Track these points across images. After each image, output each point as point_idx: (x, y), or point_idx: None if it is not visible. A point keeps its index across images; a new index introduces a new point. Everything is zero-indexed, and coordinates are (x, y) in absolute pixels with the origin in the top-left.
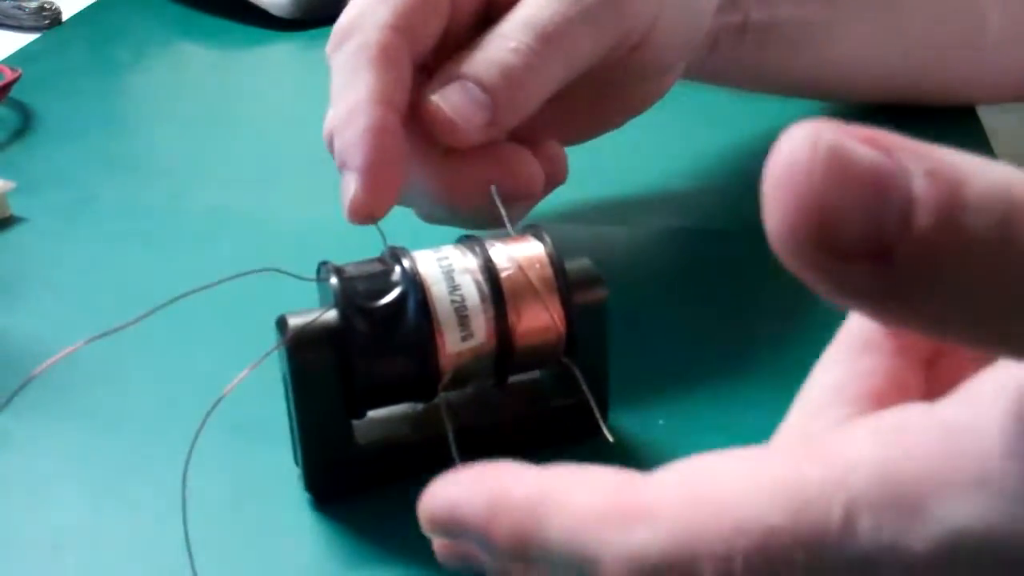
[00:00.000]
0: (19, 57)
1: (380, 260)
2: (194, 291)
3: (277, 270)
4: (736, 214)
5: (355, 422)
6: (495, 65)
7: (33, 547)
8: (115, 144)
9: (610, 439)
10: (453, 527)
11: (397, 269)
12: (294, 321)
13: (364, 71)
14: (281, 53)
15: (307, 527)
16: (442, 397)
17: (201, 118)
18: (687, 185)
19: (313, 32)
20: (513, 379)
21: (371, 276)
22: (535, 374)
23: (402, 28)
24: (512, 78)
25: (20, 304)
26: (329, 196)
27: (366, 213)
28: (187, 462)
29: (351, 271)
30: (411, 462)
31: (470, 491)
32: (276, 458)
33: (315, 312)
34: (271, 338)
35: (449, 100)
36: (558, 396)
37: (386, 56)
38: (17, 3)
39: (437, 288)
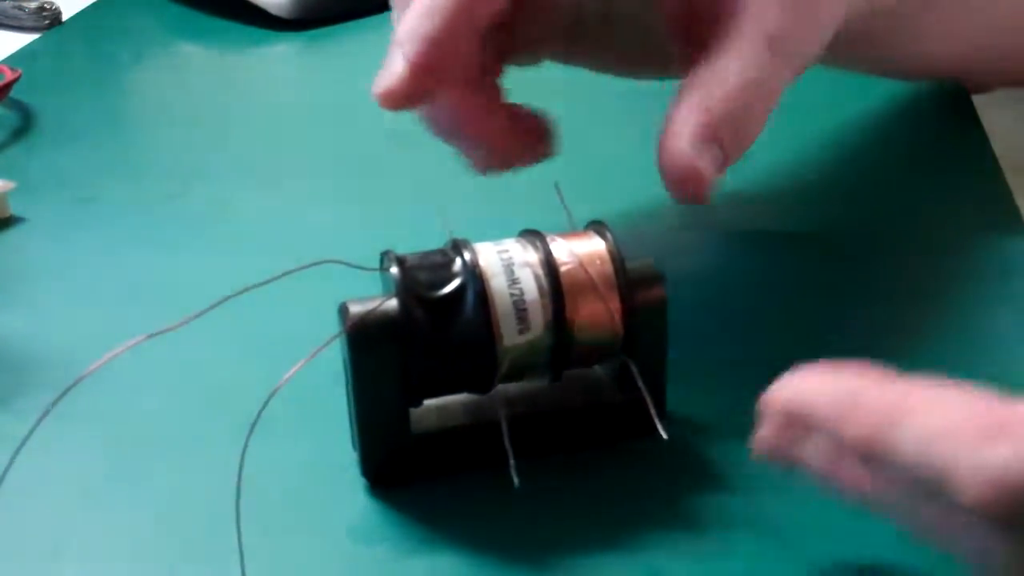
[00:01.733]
0: (19, 57)
1: (442, 252)
2: (254, 287)
3: (338, 261)
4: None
5: (413, 409)
6: (735, 131)
7: (34, 548)
8: (115, 144)
9: (664, 436)
10: (801, 416)
11: (458, 260)
12: (355, 308)
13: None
14: (281, 53)
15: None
16: (498, 388)
17: (201, 118)
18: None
19: (313, 32)
20: (573, 373)
21: (432, 267)
22: (595, 369)
23: None
24: (744, 144)
25: (20, 304)
26: (329, 196)
27: (400, 90)
28: (244, 447)
29: (412, 261)
30: (467, 451)
31: (829, 386)
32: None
33: (376, 300)
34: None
35: (704, 162)
36: (616, 392)
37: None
38: (17, 3)
39: (496, 280)
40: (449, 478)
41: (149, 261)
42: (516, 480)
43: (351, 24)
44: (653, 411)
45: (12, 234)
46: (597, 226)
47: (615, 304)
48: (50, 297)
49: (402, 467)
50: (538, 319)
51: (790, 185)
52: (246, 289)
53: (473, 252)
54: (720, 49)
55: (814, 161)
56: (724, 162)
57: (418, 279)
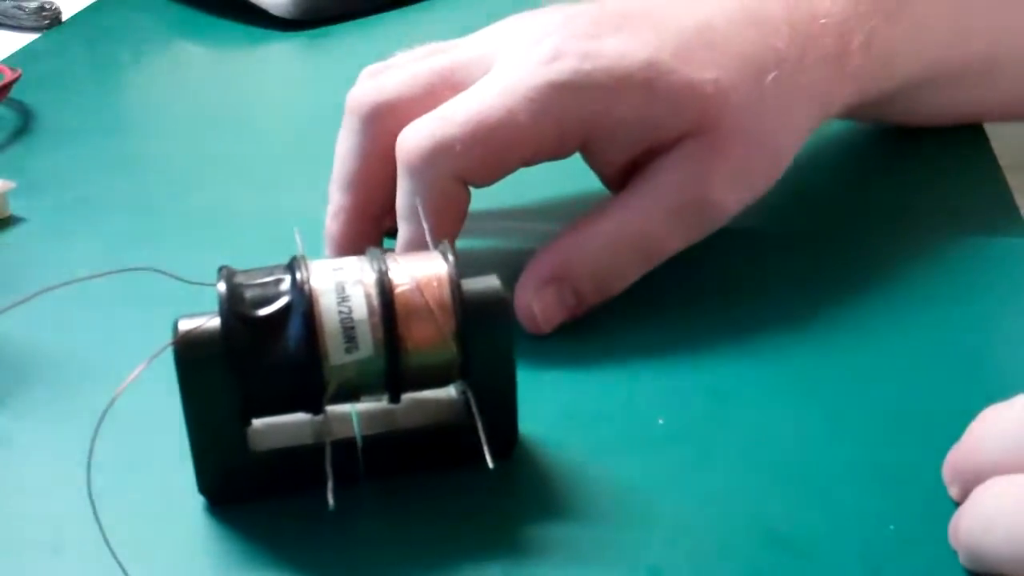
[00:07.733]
0: (19, 57)
1: (277, 268)
2: (77, 280)
3: (156, 270)
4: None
5: (256, 427)
6: (596, 281)
7: (33, 547)
8: (115, 144)
9: (490, 465)
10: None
11: (287, 279)
12: (183, 325)
13: (430, 213)
14: (281, 53)
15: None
16: (345, 408)
17: (201, 118)
18: None
19: (313, 32)
20: (430, 394)
21: (261, 284)
22: (450, 391)
23: (470, 179)
24: (608, 292)
25: (20, 304)
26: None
27: None
28: (89, 457)
29: (242, 278)
30: (306, 470)
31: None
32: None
33: (204, 317)
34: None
35: (543, 303)
36: (462, 415)
37: (448, 206)
38: (17, 3)
39: (326, 299)
40: (292, 496)
41: (148, 261)
42: (331, 503)
43: (351, 24)
44: (483, 436)
45: (12, 234)
46: (443, 246)
47: (449, 327)
48: (50, 297)
49: (240, 485)
50: (367, 339)
51: (785, 184)
52: (72, 281)
53: (306, 270)
54: (620, 199)
55: (812, 160)
56: (578, 307)
57: (244, 297)
